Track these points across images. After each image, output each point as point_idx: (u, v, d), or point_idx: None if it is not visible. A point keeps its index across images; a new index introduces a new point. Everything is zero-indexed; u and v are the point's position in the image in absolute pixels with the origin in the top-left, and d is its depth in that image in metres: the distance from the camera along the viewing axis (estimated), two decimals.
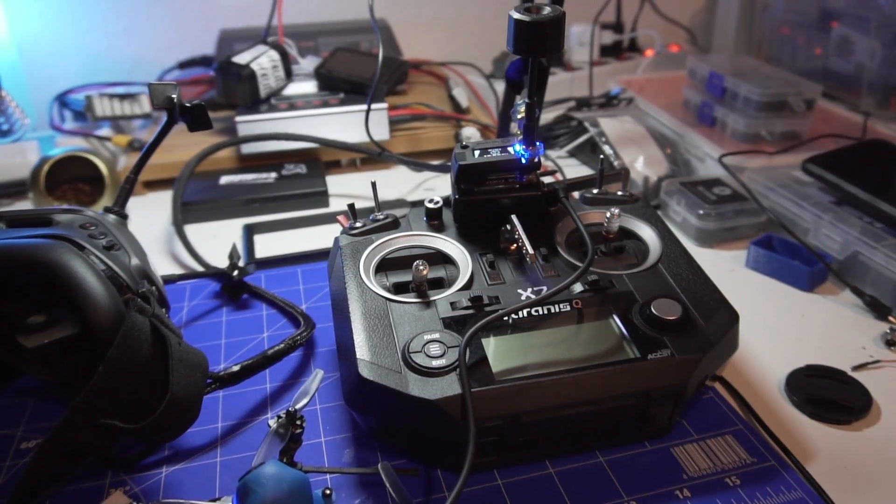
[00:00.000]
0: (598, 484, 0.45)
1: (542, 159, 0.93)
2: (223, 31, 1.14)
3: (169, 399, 0.41)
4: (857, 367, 0.55)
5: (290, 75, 0.95)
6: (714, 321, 0.48)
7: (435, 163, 0.86)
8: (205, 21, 1.18)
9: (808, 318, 0.62)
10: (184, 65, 1.13)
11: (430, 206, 0.57)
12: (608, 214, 0.55)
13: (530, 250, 0.50)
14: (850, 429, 0.50)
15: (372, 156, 0.87)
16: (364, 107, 0.86)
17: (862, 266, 0.64)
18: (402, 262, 0.53)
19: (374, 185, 0.57)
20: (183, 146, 0.86)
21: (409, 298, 0.50)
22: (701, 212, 0.73)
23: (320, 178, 0.86)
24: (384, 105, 0.88)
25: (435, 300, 0.49)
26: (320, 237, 0.76)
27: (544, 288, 0.50)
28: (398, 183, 0.88)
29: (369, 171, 0.92)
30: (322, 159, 0.91)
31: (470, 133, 0.92)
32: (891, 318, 0.61)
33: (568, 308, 0.49)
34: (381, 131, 0.89)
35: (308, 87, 0.96)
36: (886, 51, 0.98)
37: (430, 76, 1.10)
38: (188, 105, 0.53)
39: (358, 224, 0.57)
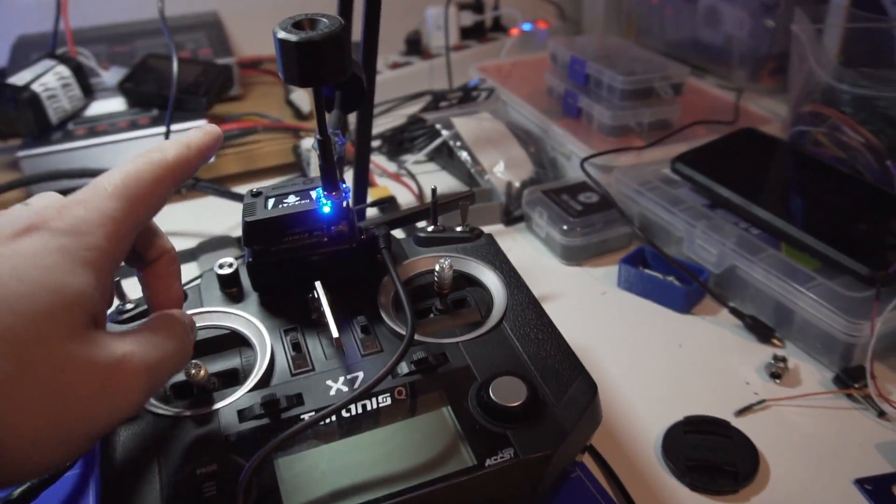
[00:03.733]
0: None
1: (396, 166, 0.83)
2: (21, 37, 0.97)
3: None
4: (740, 412, 0.48)
5: (89, 92, 0.80)
6: (568, 398, 0.39)
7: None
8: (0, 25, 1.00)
9: (686, 349, 0.55)
10: None
11: (222, 271, 0.45)
12: (437, 267, 0.44)
13: (335, 333, 0.39)
14: (736, 498, 0.43)
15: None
16: (180, 126, 0.74)
17: (740, 281, 0.57)
18: None
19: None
20: None
21: (184, 411, 0.38)
22: (565, 227, 0.64)
23: None
24: (201, 122, 0.75)
25: (217, 409, 0.38)
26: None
27: (360, 374, 0.40)
28: (229, 211, 0.75)
29: (197, 198, 0.79)
30: None
31: (311, 144, 0.80)
32: (774, 341, 0.54)
33: (389, 402, 0.39)
34: None
35: (116, 104, 0.81)
36: (755, 20, 0.92)
37: (269, 76, 0.97)
38: None
39: (129, 306, 0.45)
